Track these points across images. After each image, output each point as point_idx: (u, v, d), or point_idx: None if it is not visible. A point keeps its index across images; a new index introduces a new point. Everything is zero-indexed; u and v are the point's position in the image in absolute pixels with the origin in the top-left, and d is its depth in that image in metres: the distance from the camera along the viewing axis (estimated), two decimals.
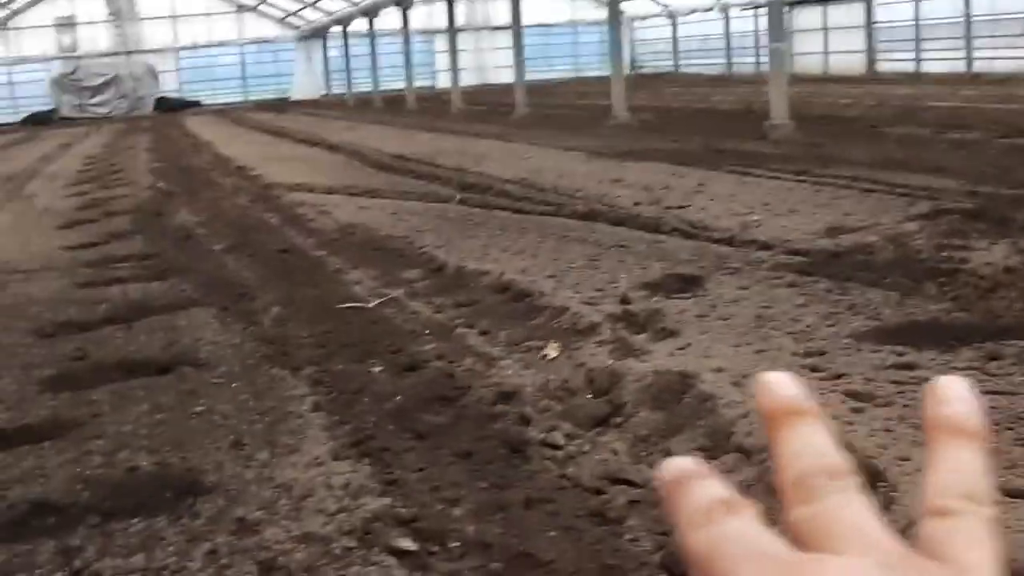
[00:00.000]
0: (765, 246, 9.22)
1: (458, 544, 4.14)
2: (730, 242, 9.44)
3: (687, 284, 8.00)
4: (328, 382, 6.31)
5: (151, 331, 7.83)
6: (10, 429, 5.93)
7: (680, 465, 0.52)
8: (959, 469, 0.52)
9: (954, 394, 0.54)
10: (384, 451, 5.12)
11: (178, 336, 7.66)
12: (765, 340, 6.51)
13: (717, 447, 4.91)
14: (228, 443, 5.37)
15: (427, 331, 7.29)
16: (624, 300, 7.56)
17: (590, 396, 5.79)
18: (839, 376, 5.74)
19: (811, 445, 0.52)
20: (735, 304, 7.35)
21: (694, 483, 0.50)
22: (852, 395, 5.41)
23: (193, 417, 5.86)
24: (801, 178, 13.06)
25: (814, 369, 5.87)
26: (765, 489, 4.34)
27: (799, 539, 0.49)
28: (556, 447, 5.08)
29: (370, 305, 8.12)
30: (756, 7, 46.49)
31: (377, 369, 6.47)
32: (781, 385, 0.55)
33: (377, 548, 4.12)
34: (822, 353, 6.15)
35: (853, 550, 0.48)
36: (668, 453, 4.95)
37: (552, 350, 6.55)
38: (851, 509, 0.50)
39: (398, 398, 5.90)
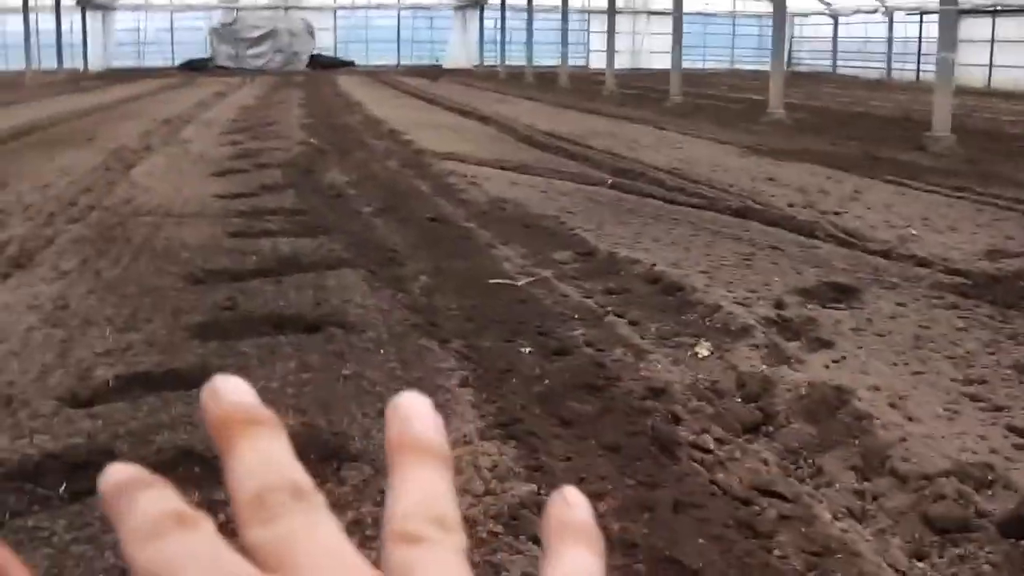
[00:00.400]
0: (923, 262, 8.98)
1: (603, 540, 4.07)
2: (887, 255, 9.23)
3: (842, 294, 7.83)
4: (476, 358, 6.27)
5: (300, 287, 7.87)
6: (159, 373, 5.99)
7: (123, 472, 0.45)
8: (426, 492, 0.47)
9: (417, 412, 0.50)
10: (531, 435, 5.06)
11: (327, 295, 7.68)
12: (923, 362, 6.33)
13: (871, 469, 4.78)
14: (375, 410, 5.35)
15: (576, 315, 7.23)
16: (778, 304, 7.42)
17: (740, 401, 5.69)
18: (1000, 409, 5.55)
19: (271, 459, 0.46)
20: (893, 320, 7.17)
21: (140, 492, 0.43)
22: (1014, 430, 5.23)
23: (341, 380, 5.86)
24: (961, 194, 12.73)
25: (974, 399, 5.69)
26: (920, 519, 4.22)
27: (260, 564, 0.43)
28: (706, 451, 4.98)
29: (519, 283, 8.08)
30: (922, 13, 45.55)
31: (526, 350, 6.42)
32: (233, 391, 0.47)
33: (524, 536, 4.07)
34: (983, 382, 5.96)
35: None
36: (820, 470, 4.84)
37: (703, 349, 6.45)
38: (317, 532, 0.44)
39: (546, 381, 5.84)
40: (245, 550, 0.44)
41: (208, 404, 0.47)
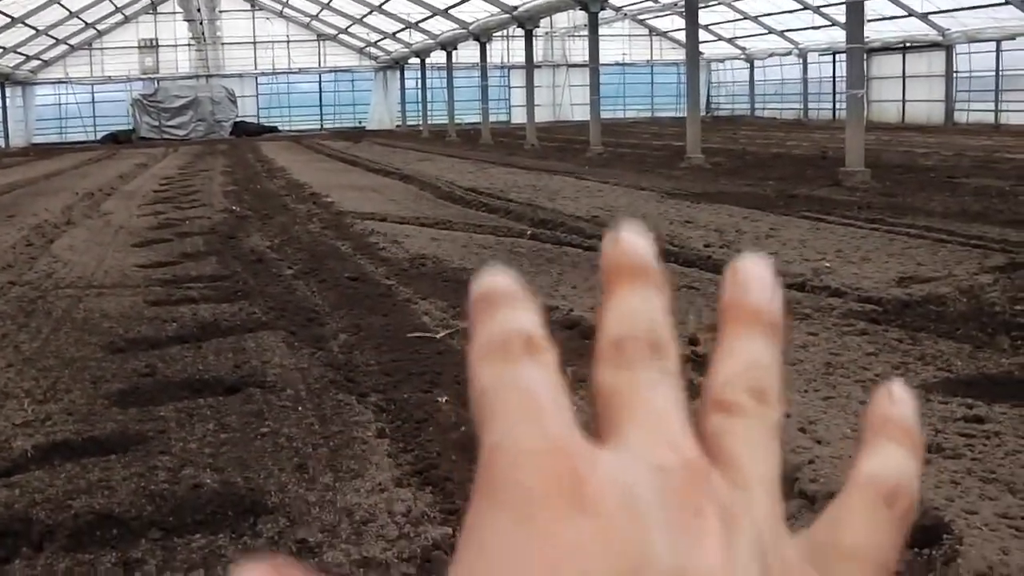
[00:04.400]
0: (836, 293, 9.16)
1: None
2: (801, 287, 9.39)
3: None
4: (393, 410, 6.33)
5: (219, 351, 7.89)
6: (78, 440, 5.99)
7: (494, 282, 0.46)
8: (752, 363, 0.48)
9: (755, 278, 0.50)
10: (447, 480, 5.12)
11: (246, 357, 7.71)
12: (833, 388, 6.46)
13: (781, 492, 4.87)
14: (292, 465, 5.40)
15: None
16: (692, 341, 7.52)
17: None
18: None
19: (645, 311, 0.46)
20: (804, 350, 7.31)
21: (503, 306, 0.44)
22: None
23: (258, 438, 5.90)
24: (874, 226, 12.98)
25: None
26: None
27: (596, 402, 0.45)
28: None
29: (438, 336, 8.14)
30: (835, 53, 46.34)
31: (443, 399, 6.48)
32: (633, 243, 0.49)
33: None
34: None
35: (640, 437, 0.43)
36: None
37: None
38: (658, 391, 0.45)
39: (463, 429, 5.91)
40: (592, 385, 0.45)
41: (606, 248, 0.49)
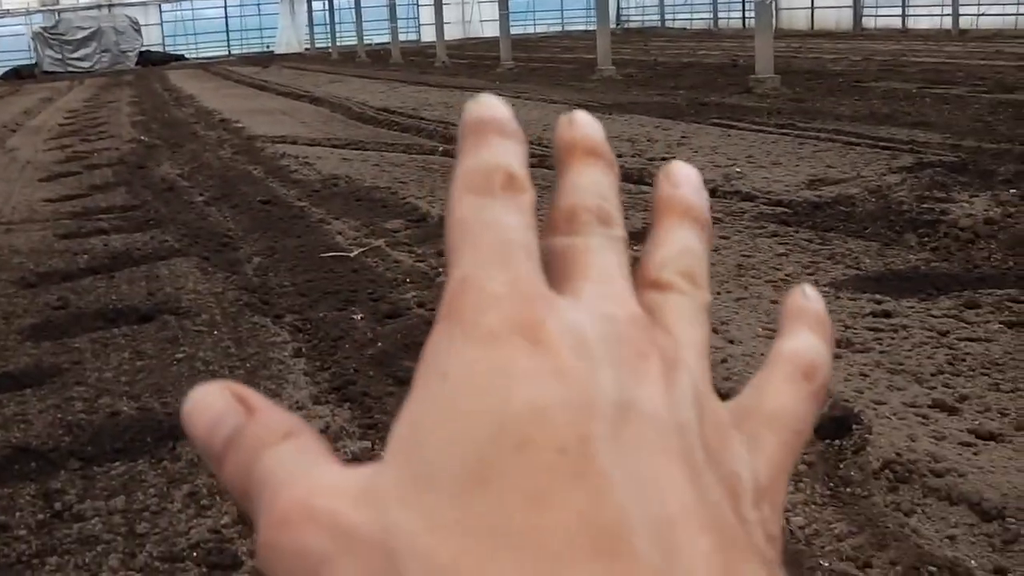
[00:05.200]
0: (747, 197, 9.26)
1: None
2: (713, 193, 9.43)
3: None
4: (309, 329, 6.32)
5: (132, 280, 7.82)
6: None
7: (489, 109, 0.47)
8: (684, 249, 0.50)
9: (686, 178, 0.53)
10: (364, 396, 5.14)
11: (160, 285, 7.65)
12: (745, 288, 6.55)
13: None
14: None
15: (408, 279, 7.31)
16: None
17: None
18: None
19: (595, 186, 0.49)
20: (715, 253, 7.37)
21: (491, 136, 0.46)
22: None
23: (174, 363, 5.88)
24: (784, 131, 13.08)
25: None
26: None
27: (548, 264, 0.46)
28: None
29: (352, 255, 8.13)
30: None
31: (358, 316, 6.49)
32: (588, 124, 0.51)
33: None
34: None
35: (590, 292, 0.45)
36: None
37: None
38: (606, 256, 0.47)
39: (379, 344, 5.92)
40: (545, 251, 0.46)
41: (561, 127, 0.51)
